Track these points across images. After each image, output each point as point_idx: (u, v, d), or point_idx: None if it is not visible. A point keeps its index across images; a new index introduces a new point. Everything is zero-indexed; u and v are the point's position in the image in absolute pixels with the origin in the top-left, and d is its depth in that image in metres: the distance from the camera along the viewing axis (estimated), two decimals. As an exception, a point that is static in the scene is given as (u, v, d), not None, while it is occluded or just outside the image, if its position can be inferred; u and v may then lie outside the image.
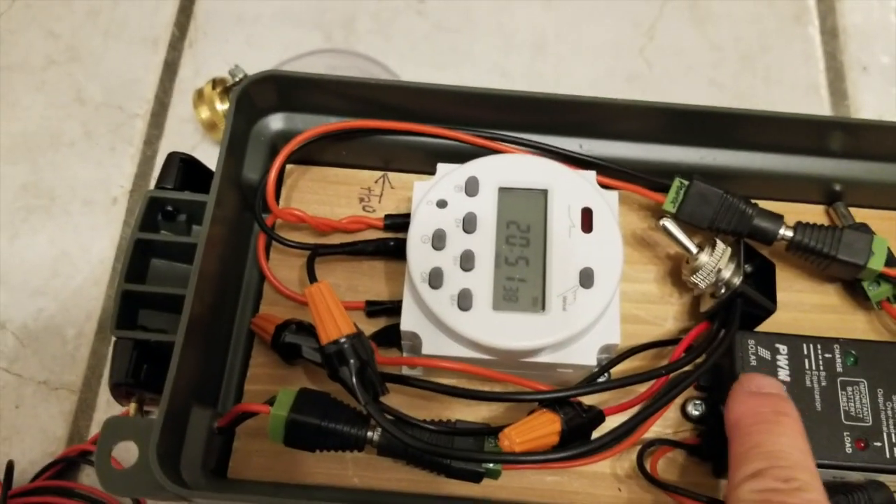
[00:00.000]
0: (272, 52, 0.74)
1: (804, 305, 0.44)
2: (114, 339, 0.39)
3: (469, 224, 0.40)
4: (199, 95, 0.68)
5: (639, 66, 0.73)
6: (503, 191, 0.41)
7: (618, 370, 0.41)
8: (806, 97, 0.72)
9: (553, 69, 0.72)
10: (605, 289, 0.38)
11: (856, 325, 0.43)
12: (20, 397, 0.61)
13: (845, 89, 0.73)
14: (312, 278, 0.42)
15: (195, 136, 0.71)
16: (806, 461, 0.32)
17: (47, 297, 0.64)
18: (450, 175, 0.41)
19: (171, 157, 0.42)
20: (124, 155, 0.70)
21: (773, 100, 0.72)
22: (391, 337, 0.41)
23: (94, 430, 0.60)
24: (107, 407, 0.61)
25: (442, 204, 0.40)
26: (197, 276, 0.37)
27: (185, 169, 0.42)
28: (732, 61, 0.74)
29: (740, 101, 0.71)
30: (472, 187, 0.40)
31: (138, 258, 0.40)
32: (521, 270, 0.39)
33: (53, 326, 0.64)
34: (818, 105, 0.72)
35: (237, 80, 0.69)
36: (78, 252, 0.66)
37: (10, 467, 0.56)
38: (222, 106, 0.67)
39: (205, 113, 0.68)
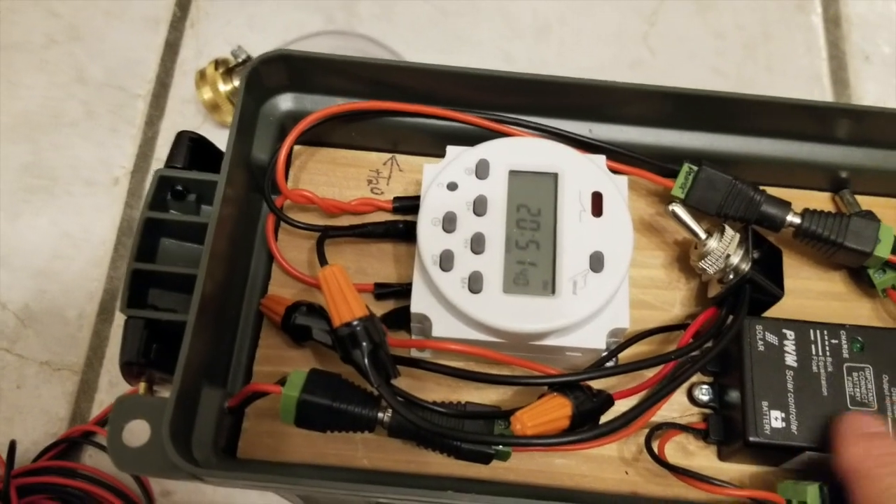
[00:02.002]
0: (274, 34, 0.74)
1: (810, 292, 0.44)
2: (125, 318, 0.39)
3: (479, 207, 0.40)
4: (202, 76, 0.68)
5: (642, 53, 0.73)
6: (514, 174, 0.41)
7: (625, 355, 0.41)
8: (808, 86, 0.72)
9: (556, 55, 0.72)
10: (615, 273, 0.38)
11: (861, 312, 0.44)
12: (22, 378, 0.61)
13: (847, 78, 0.73)
14: (323, 261, 0.42)
15: (197, 117, 0.70)
16: None
17: (49, 279, 0.64)
18: (460, 157, 0.41)
19: (181, 135, 0.42)
20: (126, 135, 0.70)
21: (775, 88, 0.72)
22: (400, 319, 0.41)
23: (96, 410, 0.60)
24: (108, 388, 0.61)
25: (452, 186, 0.40)
26: (208, 255, 0.37)
27: (194, 148, 0.42)
28: (735, 49, 0.74)
29: (742, 89, 0.71)
30: (482, 170, 0.40)
31: (148, 237, 0.40)
32: (532, 254, 0.39)
33: (55, 307, 0.63)
34: (820, 94, 0.72)
35: (240, 61, 0.68)
36: (79, 233, 0.66)
37: (12, 447, 0.56)
38: (225, 87, 0.67)
39: (207, 94, 0.67)
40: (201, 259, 0.37)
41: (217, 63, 0.68)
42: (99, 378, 0.61)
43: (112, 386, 0.61)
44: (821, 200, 0.46)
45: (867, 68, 0.74)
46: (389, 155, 0.47)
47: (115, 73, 0.72)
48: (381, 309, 0.43)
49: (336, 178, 0.46)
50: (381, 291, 0.43)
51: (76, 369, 0.61)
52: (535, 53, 0.73)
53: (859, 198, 0.46)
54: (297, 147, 0.46)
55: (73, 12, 0.74)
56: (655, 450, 0.39)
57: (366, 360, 0.35)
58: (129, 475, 0.57)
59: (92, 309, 0.63)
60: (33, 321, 0.62)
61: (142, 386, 0.40)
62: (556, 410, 0.35)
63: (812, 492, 0.36)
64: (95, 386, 0.61)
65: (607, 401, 0.37)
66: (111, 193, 0.68)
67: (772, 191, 0.43)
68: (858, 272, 0.44)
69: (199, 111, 0.70)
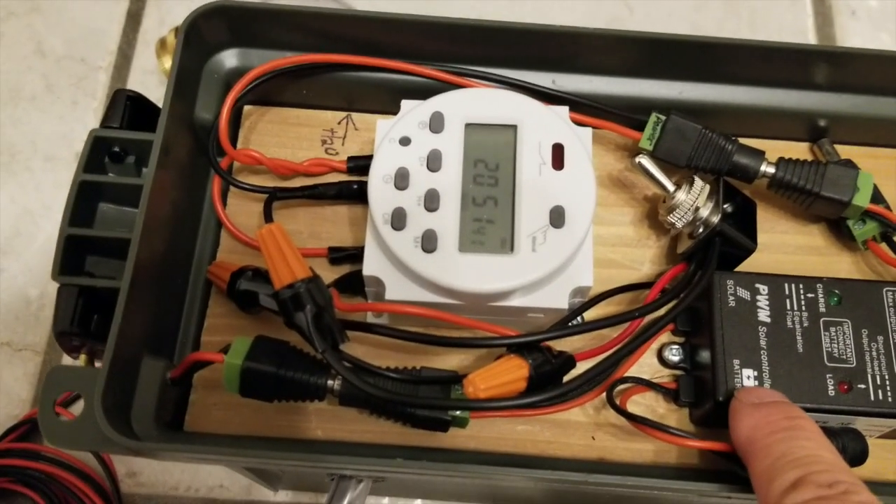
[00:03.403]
0: (240, 1, 0.71)
1: (787, 247, 0.42)
2: (57, 286, 0.36)
3: (434, 162, 0.37)
4: (162, 45, 0.65)
5: (619, 10, 0.70)
6: (470, 127, 0.38)
7: (591, 314, 0.39)
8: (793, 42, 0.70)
9: (532, 12, 0.70)
10: (577, 228, 0.36)
11: (841, 266, 0.42)
12: (-19, 359, 0.59)
13: (833, 34, 0.71)
14: (269, 221, 0.40)
15: (160, 88, 0.68)
16: (840, 461, 0.30)
17: (9, 257, 0.62)
18: (413, 111, 0.39)
19: (118, 94, 0.39)
20: (87, 109, 0.68)
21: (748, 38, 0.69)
22: (355, 284, 0.39)
23: (59, 391, 0.58)
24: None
25: (405, 141, 0.38)
26: (143, 219, 0.35)
27: (133, 107, 0.39)
28: (716, 4, 0.71)
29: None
30: (436, 123, 0.38)
31: (84, 202, 0.38)
32: (489, 211, 0.37)
33: (16, 287, 0.61)
34: (805, 50, 0.70)
35: (202, 28, 0.66)
36: (40, 210, 0.64)
37: (-29, 430, 0.54)
38: (187, 55, 0.65)
39: (168, 63, 0.65)
40: (135, 223, 0.35)
41: (177, 31, 0.66)
42: (62, 358, 0.59)
43: (75, 364, 0.59)
44: (799, 151, 0.44)
45: (853, 23, 0.71)
46: (344, 113, 0.44)
47: (76, 44, 0.70)
48: (336, 274, 0.40)
49: (288, 138, 0.44)
50: (336, 255, 0.41)
51: (38, 350, 0.59)
52: (510, 11, 0.70)
53: (839, 147, 0.44)
54: (247, 108, 0.44)
55: (31, -18, 0.72)
56: (618, 402, 0.37)
57: (309, 325, 0.33)
58: (92, 456, 0.55)
59: (54, 288, 0.61)
60: (-8, 301, 0.60)
61: (82, 358, 0.38)
62: (511, 372, 0.33)
63: None
64: (57, 366, 0.59)
65: (568, 361, 0.35)
66: (72, 169, 0.65)
67: (748, 142, 0.40)
68: (837, 224, 0.42)
69: (162, 82, 0.68)
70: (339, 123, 0.44)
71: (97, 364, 0.39)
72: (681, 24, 0.70)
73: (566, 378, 0.35)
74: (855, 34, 0.71)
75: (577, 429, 0.38)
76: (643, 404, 0.39)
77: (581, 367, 0.36)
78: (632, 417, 0.36)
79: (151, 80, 0.68)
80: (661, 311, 0.37)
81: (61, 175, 0.65)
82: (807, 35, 0.70)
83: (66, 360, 0.59)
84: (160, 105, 0.42)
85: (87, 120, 0.67)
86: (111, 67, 0.69)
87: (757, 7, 0.71)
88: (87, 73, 0.69)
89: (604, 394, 0.37)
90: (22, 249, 0.62)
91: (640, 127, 0.41)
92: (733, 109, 0.43)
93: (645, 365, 0.39)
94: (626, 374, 0.38)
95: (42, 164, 0.65)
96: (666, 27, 0.70)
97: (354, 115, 0.44)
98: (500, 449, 0.38)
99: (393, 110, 0.42)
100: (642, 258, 0.42)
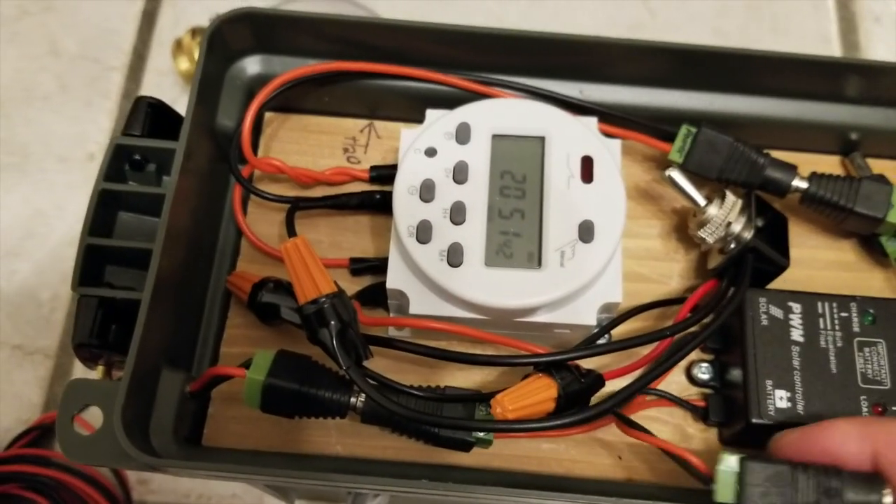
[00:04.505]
0: (252, 2, 0.70)
1: (818, 262, 0.41)
2: (77, 296, 0.36)
3: (460, 174, 0.37)
4: (179, 46, 0.65)
5: (641, 14, 0.69)
6: (497, 138, 0.38)
7: (619, 331, 0.38)
8: (816, 48, 0.69)
9: (552, 16, 0.69)
10: (606, 243, 0.35)
11: (872, 283, 0.41)
12: (-7, 362, 0.58)
13: (857, 40, 0.70)
14: (292, 234, 0.39)
15: (174, 89, 0.67)
16: None
17: (21, 259, 0.62)
18: (439, 121, 0.38)
19: (139, 101, 0.39)
20: (101, 109, 0.67)
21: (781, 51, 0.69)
22: (377, 296, 0.39)
23: (71, 395, 0.58)
24: (83, 373, 0.58)
25: (431, 152, 0.37)
26: (165, 228, 0.34)
27: (153, 115, 0.39)
28: (738, 9, 0.70)
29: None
30: (463, 134, 0.37)
31: (103, 210, 0.37)
32: (516, 224, 0.36)
33: (27, 289, 0.61)
34: (829, 56, 0.69)
35: (218, 29, 0.65)
36: (53, 211, 0.63)
37: (-18, 434, 0.54)
38: (203, 57, 0.64)
39: (184, 64, 0.64)
40: (157, 232, 0.34)
41: (194, 32, 0.65)
42: (73, 362, 0.59)
43: (87, 371, 0.58)
44: (829, 164, 0.43)
45: (878, 29, 0.70)
46: (367, 121, 0.43)
47: (90, 44, 0.69)
48: (357, 285, 0.40)
49: (309, 146, 0.43)
50: (358, 266, 0.40)
51: (49, 353, 0.59)
52: (528, 14, 0.69)
53: (870, 161, 0.43)
54: (267, 114, 0.43)
55: (46, -19, 0.71)
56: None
57: (333, 341, 0.32)
58: (104, 463, 0.55)
59: (66, 290, 0.61)
60: (4, 303, 0.60)
61: (99, 370, 0.37)
62: (540, 392, 0.32)
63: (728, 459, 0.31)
64: (70, 371, 0.59)
65: (597, 381, 0.34)
66: (86, 170, 0.65)
67: (778, 155, 0.40)
68: (869, 240, 0.41)
69: (177, 83, 0.67)
70: (361, 131, 0.43)
71: (114, 373, 0.38)
72: (703, 28, 0.69)
73: (595, 397, 0.34)
74: (879, 40, 0.70)
75: (603, 447, 0.37)
76: (671, 423, 0.38)
77: (608, 384, 0.36)
78: (637, 427, 0.35)
79: (166, 81, 0.68)
80: (693, 329, 0.36)
81: (74, 176, 0.64)
82: (830, 41, 0.70)
83: (78, 366, 0.59)
84: (179, 111, 0.41)
85: (101, 121, 0.67)
86: (125, 68, 0.69)
87: (780, 12, 0.70)
88: (100, 73, 0.68)
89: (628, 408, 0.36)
90: (34, 251, 0.62)
91: (668, 138, 0.40)
92: (763, 121, 0.42)
93: (673, 382, 0.38)
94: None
95: (55, 164, 0.65)
96: (688, 31, 0.69)
97: (377, 123, 0.43)
98: (524, 468, 0.37)
99: (416, 118, 0.41)
100: (670, 272, 0.41)
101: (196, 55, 0.64)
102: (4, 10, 0.70)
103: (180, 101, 0.67)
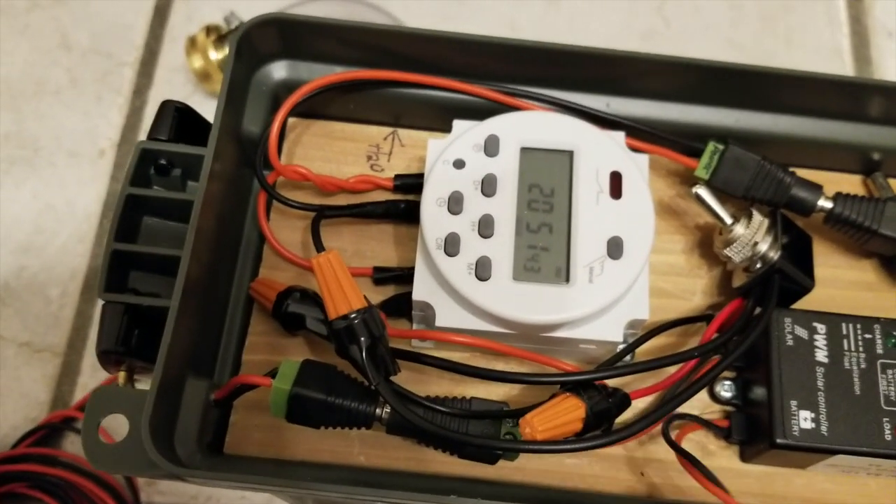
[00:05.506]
0: (268, 0, 0.70)
1: (839, 282, 0.41)
2: (102, 303, 0.36)
3: (488, 186, 0.37)
4: (192, 43, 0.64)
5: (655, 22, 0.69)
6: (525, 151, 0.38)
7: (644, 348, 0.38)
8: (828, 62, 0.69)
9: (566, 23, 0.69)
10: (635, 260, 0.35)
11: (893, 303, 0.41)
12: (0, 359, 0.58)
13: (869, 55, 0.70)
14: (319, 245, 0.39)
15: (187, 86, 0.67)
16: None
17: (30, 255, 0.61)
18: (468, 133, 0.38)
19: (166, 105, 0.38)
20: (112, 105, 0.67)
21: (794, 63, 0.69)
22: (400, 306, 0.39)
23: (79, 395, 0.58)
24: (92, 371, 0.58)
25: (459, 164, 0.37)
26: (194, 235, 0.34)
27: (180, 119, 0.38)
28: (752, 21, 0.70)
29: (760, 63, 0.68)
30: (491, 146, 0.37)
31: (129, 215, 0.37)
32: (544, 238, 0.36)
33: (36, 285, 0.60)
34: (841, 70, 0.69)
35: (232, 28, 0.65)
36: (63, 206, 0.63)
37: (-11, 432, 0.53)
38: (216, 55, 0.64)
39: (198, 62, 0.64)
40: (186, 239, 0.34)
41: (208, 30, 0.65)
42: (82, 361, 0.59)
43: (95, 369, 0.58)
44: (851, 183, 0.43)
45: (890, 44, 0.71)
46: (391, 129, 0.43)
47: (102, 38, 0.69)
48: (380, 295, 0.40)
49: (333, 153, 0.43)
50: (381, 276, 0.40)
51: (58, 351, 0.59)
52: (543, 21, 0.69)
53: (892, 181, 0.43)
54: (291, 119, 0.43)
55: (57, -26, 0.71)
56: (673, 438, 0.36)
57: (364, 356, 0.32)
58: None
59: (75, 287, 0.60)
60: (13, 299, 0.59)
61: (121, 375, 0.37)
62: (568, 413, 0.32)
63: None
64: (78, 369, 0.58)
65: (623, 400, 0.34)
66: (96, 166, 0.64)
67: (799, 173, 0.40)
68: (891, 260, 0.41)
69: (189, 80, 0.67)
70: (385, 139, 0.43)
71: (136, 379, 0.38)
72: (716, 38, 0.69)
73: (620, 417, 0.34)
74: (891, 55, 0.70)
75: (625, 463, 0.37)
76: (693, 440, 0.38)
77: (633, 403, 0.36)
78: (685, 456, 0.35)
79: (178, 77, 0.67)
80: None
81: (85, 172, 0.64)
82: (842, 55, 0.70)
83: (86, 365, 0.58)
84: (193, 107, 0.41)
85: (112, 116, 0.66)
86: (137, 63, 0.68)
87: (794, 25, 0.70)
88: (112, 68, 0.68)
89: (653, 429, 0.36)
90: (44, 247, 0.61)
91: (694, 154, 0.40)
92: (787, 139, 0.42)
93: (695, 399, 0.38)
94: (677, 411, 0.37)
95: (66, 159, 0.64)
96: (701, 41, 0.69)
97: (401, 131, 0.43)
98: (548, 482, 0.37)
99: (440, 127, 0.41)
100: (694, 288, 0.41)
101: (210, 53, 0.64)
102: (16, 3, 0.69)
103: (193, 98, 0.67)
